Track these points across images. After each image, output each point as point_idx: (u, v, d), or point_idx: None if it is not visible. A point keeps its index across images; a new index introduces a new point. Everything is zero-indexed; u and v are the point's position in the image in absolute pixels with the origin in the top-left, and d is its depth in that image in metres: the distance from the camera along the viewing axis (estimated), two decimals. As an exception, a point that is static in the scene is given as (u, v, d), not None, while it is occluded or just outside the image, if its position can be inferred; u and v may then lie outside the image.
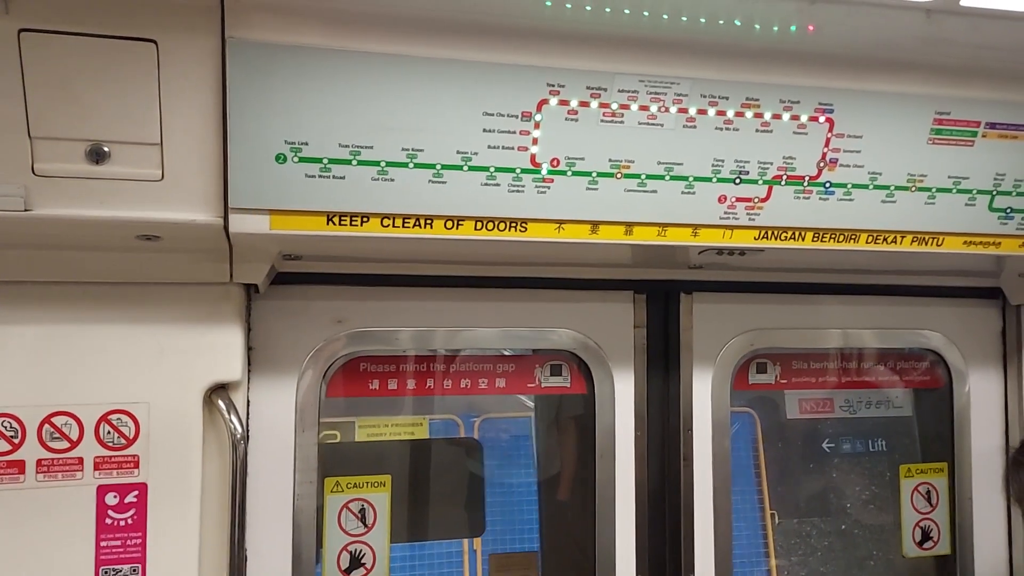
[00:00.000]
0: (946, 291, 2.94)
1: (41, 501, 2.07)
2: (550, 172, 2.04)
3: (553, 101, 1.98)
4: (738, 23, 1.97)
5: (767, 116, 2.11)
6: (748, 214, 2.20)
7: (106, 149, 1.80)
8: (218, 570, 2.19)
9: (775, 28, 2.00)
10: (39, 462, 2.07)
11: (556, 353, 2.68)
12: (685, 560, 2.66)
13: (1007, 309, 3.00)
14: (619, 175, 2.08)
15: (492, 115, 1.97)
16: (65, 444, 2.09)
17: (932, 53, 2.13)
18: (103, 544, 2.10)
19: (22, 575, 2.05)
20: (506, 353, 2.67)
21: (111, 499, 2.11)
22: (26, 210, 1.79)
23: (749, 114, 2.10)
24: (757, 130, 2.12)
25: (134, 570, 2.11)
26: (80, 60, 1.74)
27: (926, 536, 2.98)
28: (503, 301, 2.57)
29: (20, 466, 2.06)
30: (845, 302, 2.87)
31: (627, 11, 1.91)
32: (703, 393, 2.71)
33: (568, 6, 1.88)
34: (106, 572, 2.10)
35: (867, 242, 2.30)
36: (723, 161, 2.13)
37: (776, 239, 2.25)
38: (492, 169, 2.00)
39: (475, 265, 2.49)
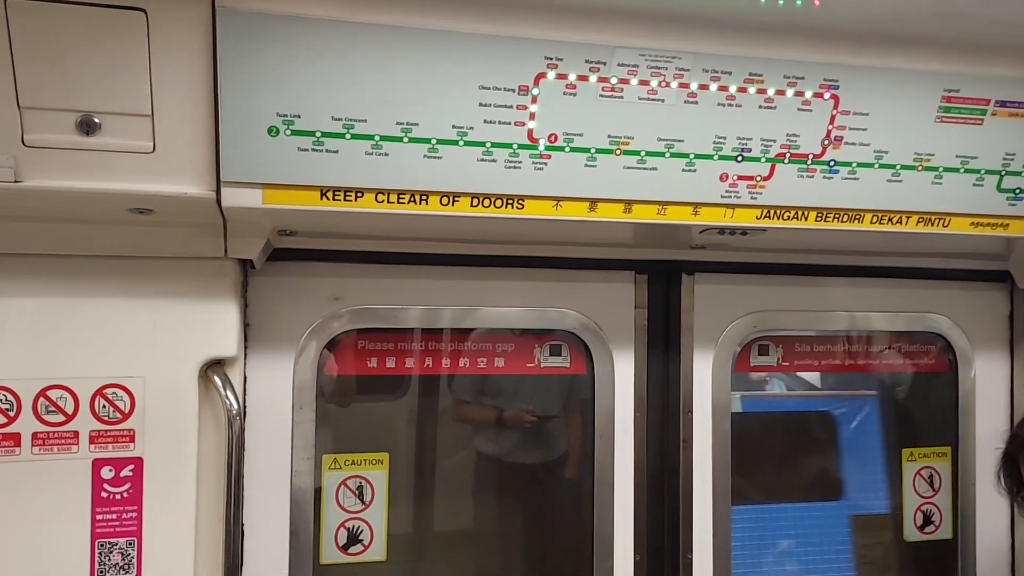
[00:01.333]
0: (953, 274, 2.90)
1: (37, 474, 2.07)
2: (547, 148, 2.01)
3: (551, 75, 1.94)
4: None
5: (770, 92, 2.07)
6: (750, 193, 2.16)
7: (96, 120, 1.78)
8: (215, 545, 2.19)
9: (780, 1, 1.95)
10: (35, 435, 2.07)
11: (556, 333, 2.66)
12: (683, 542, 2.65)
13: (1015, 293, 2.96)
14: (618, 152, 2.05)
15: (488, 89, 1.93)
16: (60, 418, 2.09)
17: (941, 28, 2.08)
18: (99, 517, 2.10)
19: (19, 548, 2.05)
20: (506, 332, 2.65)
21: (107, 473, 2.11)
22: (16, 181, 1.78)
23: (752, 90, 2.06)
24: (760, 106, 2.08)
25: (130, 543, 2.12)
26: (69, 29, 1.72)
27: (927, 520, 2.95)
28: (502, 280, 2.55)
29: (16, 439, 2.06)
30: (849, 284, 2.83)
31: (627, -18, 1.87)
32: (704, 375, 2.69)
33: (567, -23, 1.85)
34: (102, 545, 2.10)
35: (872, 222, 2.26)
36: (725, 138, 2.09)
37: (779, 219, 2.21)
38: (488, 144, 1.97)
39: (473, 243, 2.48)
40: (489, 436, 2.86)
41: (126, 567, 2.12)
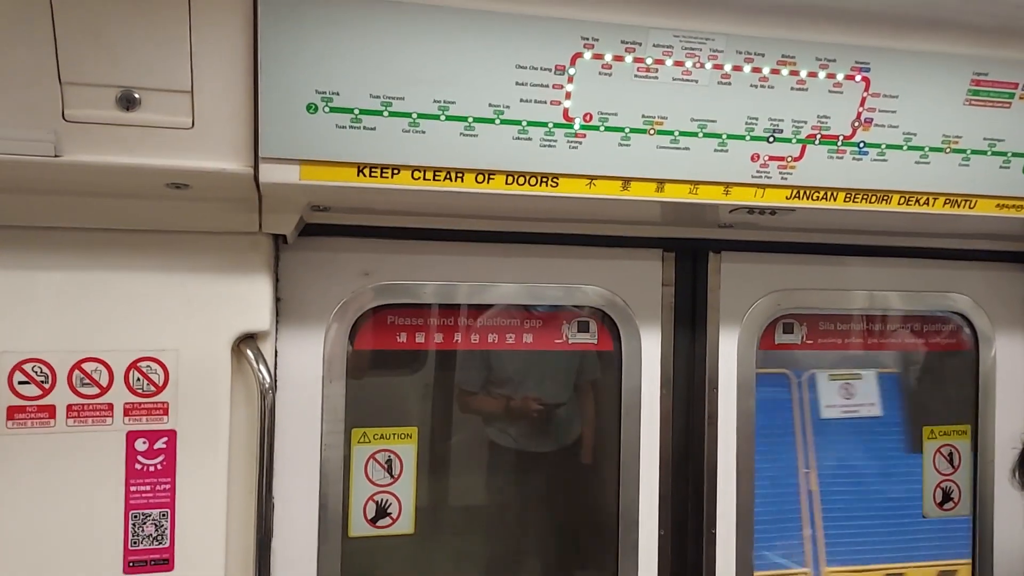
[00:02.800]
0: (975, 254, 2.92)
1: (71, 446, 2.09)
2: (583, 127, 2.02)
3: (587, 55, 1.96)
4: None
5: (803, 74, 2.09)
6: (781, 173, 2.18)
7: (136, 96, 1.79)
8: (246, 516, 2.22)
9: None
10: (69, 407, 2.09)
11: (584, 310, 2.68)
12: (707, 517, 2.69)
13: (1035, 274, 2.99)
14: (652, 131, 2.06)
15: (525, 68, 1.95)
16: (95, 390, 2.11)
17: (971, 12, 2.10)
18: (133, 489, 2.13)
19: (54, 518, 2.08)
20: (534, 309, 2.67)
21: (140, 445, 2.13)
22: (56, 156, 1.79)
23: (785, 71, 2.07)
24: (792, 88, 2.10)
25: (163, 515, 2.15)
26: (111, 4, 1.73)
27: (947, 497, 3.00)
28: (531, 257, 2.57)
29: (51, 411, 2.08)
30: (873, 264, 2.86)
31: (664, -36, 1.88)
32: (729, 353, 2.71)
33: (605, -42, 1.86)
34: (136, 516, 2.13)
35: (899, 203, 2.28)
36: (757, 119, 2.11)
37: (808, 199, 2.23)
38: (524, 123, 1.99)
39: (504, 220, 2.49)
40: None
41: (159, 538, 2.14)
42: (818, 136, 2.16)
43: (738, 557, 2.70)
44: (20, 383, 2.06)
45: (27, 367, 2.07)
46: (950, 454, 3.00)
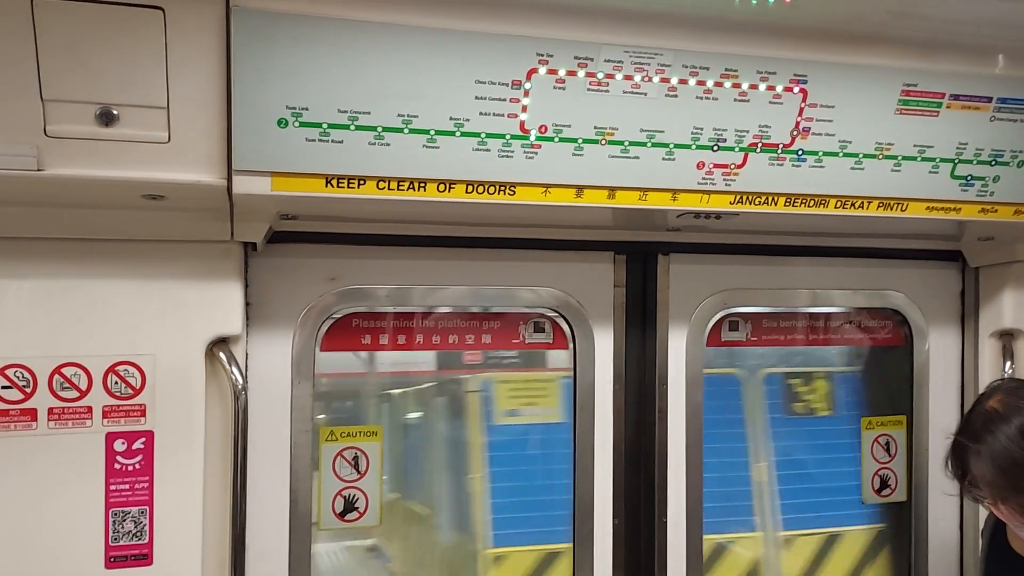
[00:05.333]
0: (909, 253, 3.03)
1: (53, 447, 2.16)
2: (538, 138, 2.13)
3: (542, 70, 2.07)
4: None
5: (744, 86, 2.21)
6: (725, 180, 2.30)
7: (115, 112, 1.87)
8: (221, 512, 2.30)
9: (753, 1, 2.09)
10: (50, 410, 2.16)
11: (540, 311, 2.77)
12: (659, 505, 2.78)
13: (966, 271, 3.11)
14: (603, 142, 2.17)
15: (484, 83, 2.06)
16: (75, 393, 2.18)
17: (901, 27, 2.24)
18: (112, 487, 2.20)
19: (37, 517, 2.15)
20: (493, 310, 2.76)
21: (119, 445, 2.21)
22: (39, 170, 1.86)
23: (728, 84, 2.20)
24: (735, 100, 2.22)
25: (142, 512, 2.22)
26: (91, 26, 1.81)
27: (884, 484, 3.10)
28: (489, 260, 2.65)
29: (32, 414, 2.15)
30: (814, 263, 2.97)
31: (613, -17, 1.99)
32: (678, 350, 2.80)
33: (557, -22, 1.96)
34: (116, 513, 2.20)
35: (836, 207, 2.41)
36: (702, 129, 2.23)
37: (750, 204, 2.35)
38: (483, 135, 2.10)
39: (464, 226, 2.58)
40: None
41: (138, 534, 2.22)
42: (759, 144, 2.29)
43: (688, 542, 2.80)
44: (2, 388, 2.13)
45: (9, 372, 2.13)
46: (887, 443, 3.11)
